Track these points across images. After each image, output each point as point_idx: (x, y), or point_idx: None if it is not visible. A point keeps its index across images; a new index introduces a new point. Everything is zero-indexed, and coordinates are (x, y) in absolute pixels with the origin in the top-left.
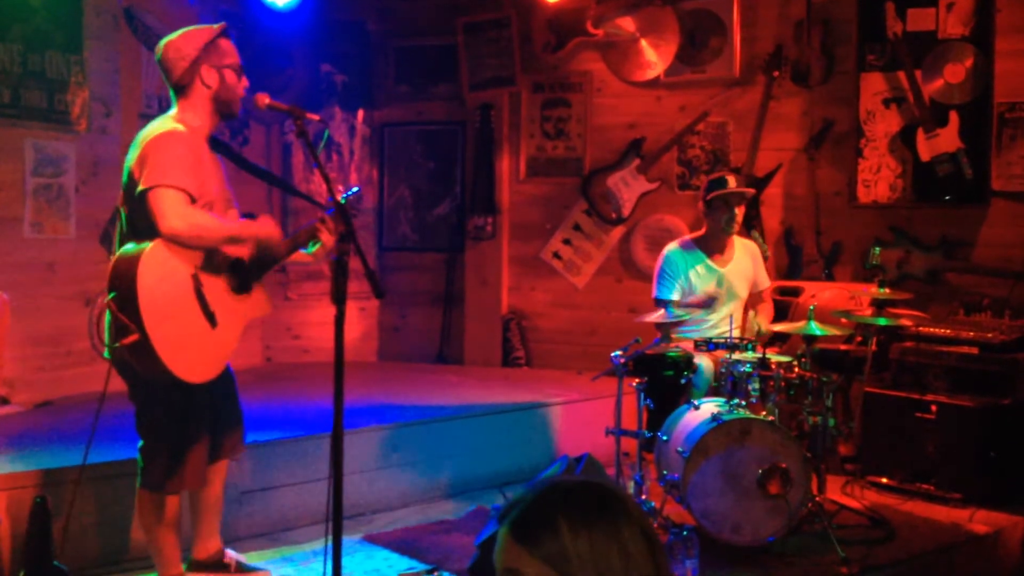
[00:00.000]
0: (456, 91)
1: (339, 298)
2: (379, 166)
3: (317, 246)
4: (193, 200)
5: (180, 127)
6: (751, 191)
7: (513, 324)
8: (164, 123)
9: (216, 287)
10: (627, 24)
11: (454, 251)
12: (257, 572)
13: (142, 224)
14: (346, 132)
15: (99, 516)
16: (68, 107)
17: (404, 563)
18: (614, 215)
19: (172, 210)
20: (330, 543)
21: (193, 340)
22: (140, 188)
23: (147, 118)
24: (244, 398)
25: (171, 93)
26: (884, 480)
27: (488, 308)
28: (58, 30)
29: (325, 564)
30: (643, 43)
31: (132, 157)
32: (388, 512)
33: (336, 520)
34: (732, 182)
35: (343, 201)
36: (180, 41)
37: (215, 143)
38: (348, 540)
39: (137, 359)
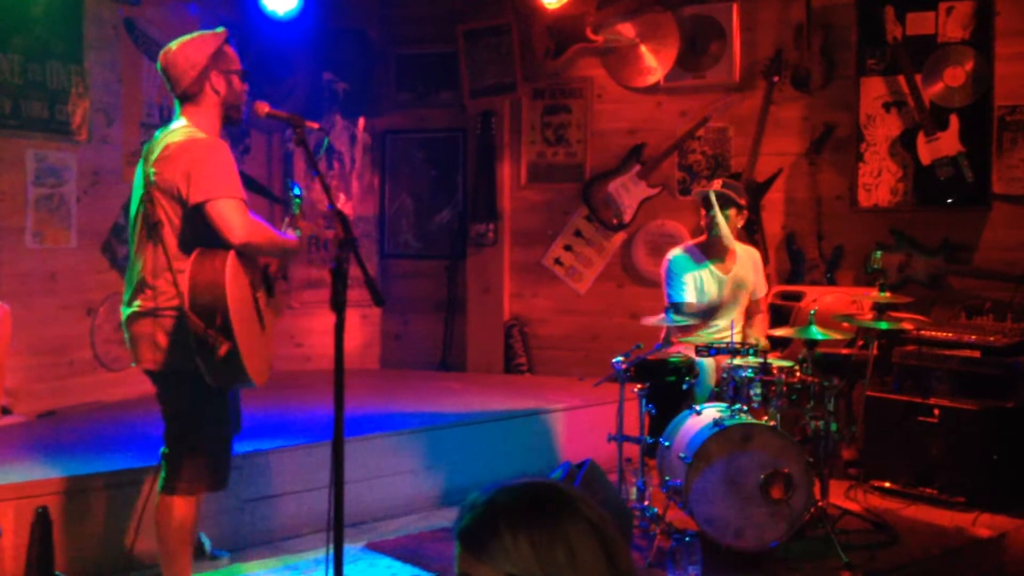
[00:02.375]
0: (457, 98)
1: (338, 306)
2: (380, 174)
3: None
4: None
5: (211, 136)
6: (723, 192)
7: (515, 330)
8: (192, 132)
9: (261, 295)
10: (627, 30)
11: (456, 258)
12: (220, 559)
13: (193, 236)
14: (347, 140)
15: (101, 526)
16: (69, 117)
17: (407, 571)
18: (615, 221)
19: (240, 221)
20: (332, 551)
21: (257, 345)
22: (196, 201)
23: (148, 127)
24: (246, 406)
25: (175, 102)
26: (887, 484)
27: (490, 315)
28: (58, 40)
29: (327, 572)
30: (643, 49)
31: (168, 168)
32: (391, 520)
33: (338, 528)
34: (715, 184)
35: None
36: (188, 49)
37: None
38: (351, 548)
39: (220, 370)
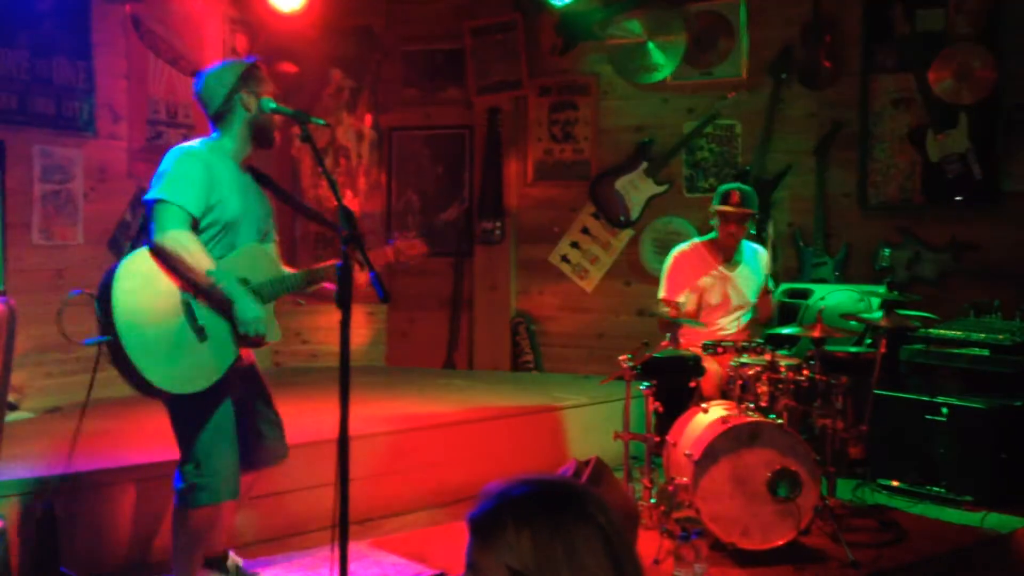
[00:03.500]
0: (464, 95)
1: (344, 302)
2: (387, 171)
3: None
4: (196, 219)
5: (201, 148)
6: (749, 212)
7: (522, 328)
8: (190, 142)
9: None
10: (634, 26)
11: (462, 255)
12: None
13: (146, 234)
14: (353, 137)
15: (105, 522)
16: (76, 113)
17: (412, 569)
18: (622, 218)
19: (165, 225)
20: (337, 549)
21: (174, 351)
22: (146, 198)
23: (154, 124)
24: None
25: (211, 123)
26: (894, 483)
27: (496, 312)
28: (65, 37)
29: (332, 569)
30: (650, 45)
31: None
32: (396, 517)
33: (343, 525)
34: (734, 200)
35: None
36: (220, 72)
37: (259, 176)
38: (356, 545)
39: (114, 362)
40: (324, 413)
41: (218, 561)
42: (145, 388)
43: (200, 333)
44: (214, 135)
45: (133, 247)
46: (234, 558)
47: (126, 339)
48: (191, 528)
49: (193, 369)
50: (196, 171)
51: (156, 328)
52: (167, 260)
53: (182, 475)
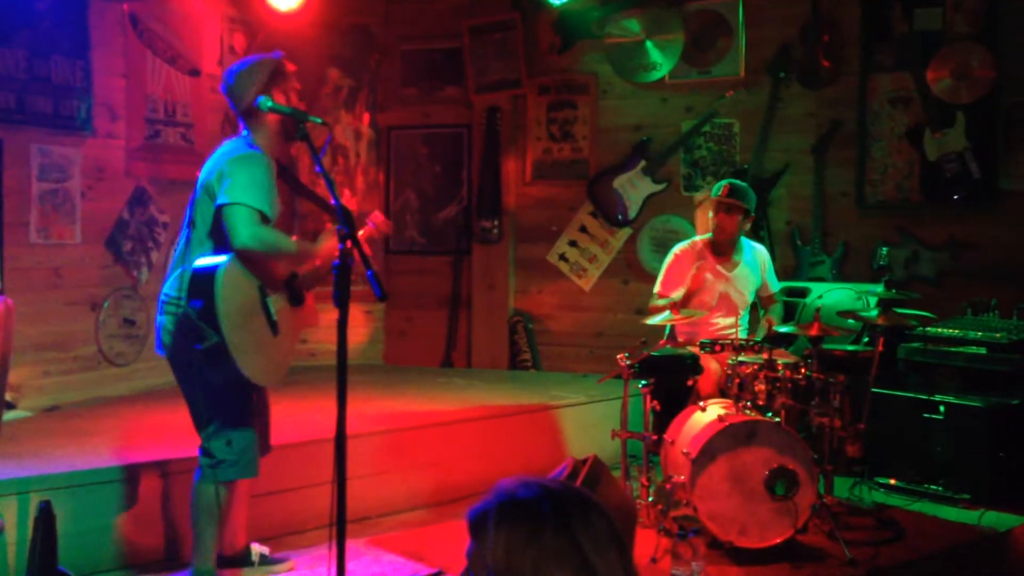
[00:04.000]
0: (462, 94)
1: (342, 301)
2: (385, 169)
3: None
4: (268, 220)
5: (260, 151)
6: (735, 203)
7: (520, 326)
8: (243, 143)
9: (277, 299)
10: (632, 25)
11: (460, 254)
12: (281, 564)
13: (218, 236)
14: (352, 135)
15: (103, 521)
16: (74, 112)
17: (410, 567)
18: (620, 217)
19: (245, 228)
20: (335, 547)
21: (261, 347)
22: (219, 203)
23: (152, 122)
24: None
25: (239, 118)
26: (892, 481)
27: (495, 311)
28: (63, 35)
29: (330, 568)
30: (649, 44)
31: (212, 173)
32: (394, 516)
33: (340, 524)
34: (724, 191)
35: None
36: (251, 69)
37: (278, 166)
38: (353, 544)
39: (213, 363)
40: (322, 412)
41: (240, 558)
42: (231, 382)
43: (275, 328)
44: (246, 132)
45: (189, 247)
46: (258, 548)
47: (231, 341)
48: (215, 501)
49: (273, 363)
50: (265, 175)
51: (248, 328)
52: (259, 258)
53: (212, 451)
